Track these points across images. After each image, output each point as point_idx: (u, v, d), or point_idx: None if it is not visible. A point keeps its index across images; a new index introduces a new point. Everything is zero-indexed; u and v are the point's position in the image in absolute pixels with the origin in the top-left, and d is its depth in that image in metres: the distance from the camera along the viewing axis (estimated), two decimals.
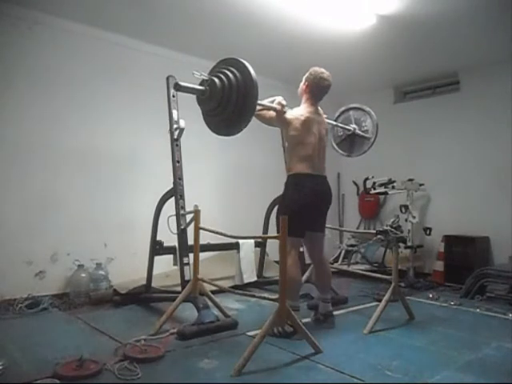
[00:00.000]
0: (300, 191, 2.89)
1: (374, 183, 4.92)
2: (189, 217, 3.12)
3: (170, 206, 3.28)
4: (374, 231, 3.61)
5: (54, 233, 3.66)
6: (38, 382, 2.00)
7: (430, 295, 4.04)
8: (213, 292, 3.11)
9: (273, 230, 3.57)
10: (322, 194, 3.03)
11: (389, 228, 3.24)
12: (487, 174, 4.67)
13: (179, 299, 2.86)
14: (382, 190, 4.90)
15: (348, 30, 3.83)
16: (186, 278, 3.01)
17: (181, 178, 3.20)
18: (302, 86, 3.14)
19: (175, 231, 3.12)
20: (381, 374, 2.20)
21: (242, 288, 3.71)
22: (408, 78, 5.32)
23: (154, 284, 3.59)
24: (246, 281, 4.05)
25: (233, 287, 3.56)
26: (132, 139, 4.15)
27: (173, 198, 3.21)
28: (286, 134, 3.03)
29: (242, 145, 5.02)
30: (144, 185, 4.13)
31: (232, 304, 3.57)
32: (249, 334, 2.77)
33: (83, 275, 3.64)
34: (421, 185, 4.98)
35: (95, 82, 3.95)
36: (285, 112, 2.98)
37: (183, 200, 3.18)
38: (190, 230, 3.02)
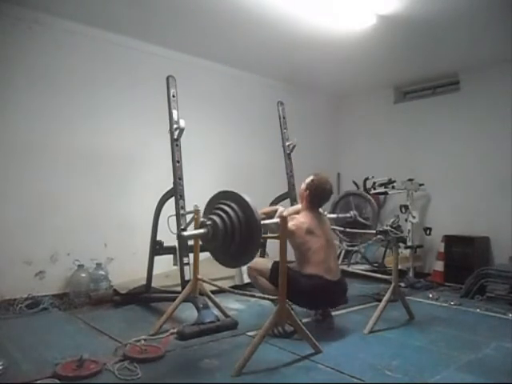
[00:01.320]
0: (312, 289, 2.79)
1: (374, 183, 4.93)
2: (189, 217, 3.11)
3: (170, 206, 3.29)
4: (374, 231, 3.61)
5: (53, 233, 3.66)
6: (38, 382, 2.00)
7: (430, 295, 4.04)
8: (213, 292, 3.11)
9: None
10: (336, 299, 2.99)
11: (389, 228, 3.24)
12: (487, 174, 4.66)
13: (179, 299, 2.86)
14: (382, 190, 4.90)
15: (348, 30, 3.82)
16: (186, 278, 3.01)
17: (181, 178, 3.20)
18: (302, 191, 3.09)
19: (175, 231, 3.12)
20: (381, 373, 2.20)
21: (241, 288, 3.71)
22: (408, 78, 5.32)
23: (154, 284, 3.59)
24: (246, 281, 4.05)
25: (233, 287, 3.56)
26: (132, 139, 4.15)
27: (173, 198, 3.21)
28: (293, 243, 2.93)
29: (243, 145, 5.04)
30: (144, 185, 4.13)
31: (232, 304, 3.57)
32: (249, 334, 2.77)
33: (83, 275, 3.64)
34: (421, 185, 4.98)
35: (95, 82, 3.95)
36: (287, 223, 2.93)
37: (183, 200, 3.18)
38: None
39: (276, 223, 2.77)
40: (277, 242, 2.40)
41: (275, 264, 2.74)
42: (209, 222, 2.37)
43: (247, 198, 2.33)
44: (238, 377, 2.13)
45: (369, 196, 3.78)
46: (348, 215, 3.71)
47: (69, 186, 3.78)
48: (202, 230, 2.41)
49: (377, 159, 5.67)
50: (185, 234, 2.54)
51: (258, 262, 2.99)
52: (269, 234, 2.78)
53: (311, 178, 3.07)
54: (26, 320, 3.09)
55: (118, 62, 4.10)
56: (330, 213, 3.79)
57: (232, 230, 2.31)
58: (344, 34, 3.94)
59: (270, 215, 3.09)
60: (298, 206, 3.23)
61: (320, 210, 3.14)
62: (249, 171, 5.05)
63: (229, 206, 2.37)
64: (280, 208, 3.09)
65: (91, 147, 3.90)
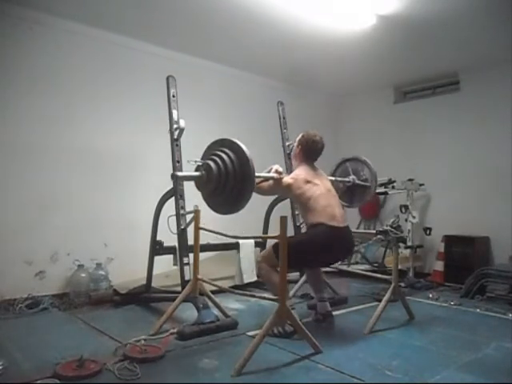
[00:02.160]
0: (319, 237, 2.80)
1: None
2: (189, 217, 3.12)
3: (170, 206, 3.29)
4: (374, 231, 3.61)
5: (53, 233, 3.67)
6: (38, 382, 2.00)
7: (430, 295, 4.04)
8: (213, 292, 3.10)
9: (273, 230, 3.57)
10: (341, 247, 2.95)
11: (389, 228, 3.24)
12: (487, 174, 4.66)
13: (179, 299, 2.86)
14: (382, 190, 4.90)
15: (348, 30, 3.82)
16: (186, 278, 3.01)
17: None
18: (295, 149, 3.17)
19: (175, 231, 3.12)
20: (381, 373, 2.20)
21: (241, 288, 3.72)
22: (408, 78, 5.32)
23: (154, 284, 3.59)
24: (245, 281, 4.05)
25: (233, 287, 3.56)
26: (132, 139, 4.15)
27: (173, 198, 3.22)
28: (293, 196, 2.99)
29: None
30: (144, 185, 4.14)
31: (232, 304, 3.57)
32: (249, 333, 2.77)
33: (83, 275, 3.64)
34: (421, 185, 4.98)
35: (96, 82, 3.95)
36: (283, 178, 2.95)
37: (183, 200, 3.18)
38: (190, 230, 3.02)
39: (272, 177, 2.88)
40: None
41: (276, 245, 2.70)
42: (204, 166, 2.47)
43: (243, 146, 2.42)
44: (238, 377, 2.13)
45: (364, 158, 3.77)
46: (347, 179, 3.72)
47: (69, 186, 3.78)
48: (196, 173, 2.52)
49: (377, 159, 5.62)
50: (179, 174, 2.56)
51: (264, 251, 3.04)
52: (268, 237, 2.79)
53: (301, 134, 3.13)
54: (26, 320, 3.09)
55: (118, 62, 4.10)
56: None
57: (226, 175, 2.40)
58: (344, 34, 3.94)
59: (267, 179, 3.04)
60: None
61: (316, 167, 3.13)
62: None
63: (225, 152, 2.47)
64: (276, 165, 3.03)
65: (91, 147, 3.90)
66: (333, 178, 3.69)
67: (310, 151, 3.08)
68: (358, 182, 3.71)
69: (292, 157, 3.21)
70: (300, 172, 3.00)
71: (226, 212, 2.67)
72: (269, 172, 3.00)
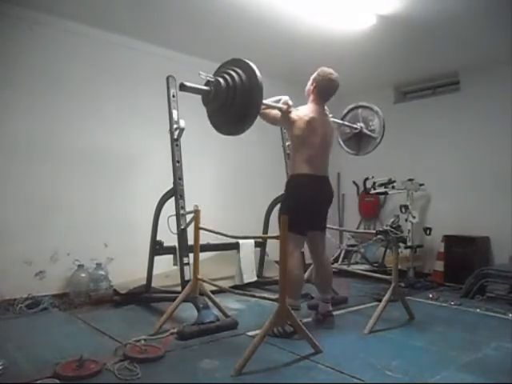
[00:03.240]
0: (301, 191, 2.91)
1: (374, 183, 4.92)
2: (189, 217, 3.12)
3: (170, 206, 3.29)
4: (374, 231, 3.61)
5: (54, 233, 3.66)
6: (38, 382, 2.00)
7: (430, 295, 4.04)
8: (213, 292, 3.10)
9: (273, 230, 3.57)
10: (323, 194, 3.04)
11: (389, 228, 3.24)
12: (487, 174, 4.66)
13: (179, 299, 2.86)
14: (382, 190, 4.90)
15: (348, 30, 3.83)
16: (186, 278, 3.01)
17: (181, 178, 3.20)
18: (309, 86, 3.11)
19: (175, 231, 3.12)
20: (381, 373, 2.20)
21: (241, 288, 3.71)
22: (408, 78, 5.32)
23: (154, 284, 3.59)
24: (245, 281, 4.05)
25: (233, 287, 3.56)
26: (132, 139, 4.15)
27: (173, 198, 3.21)
28: (291, 134, 3.02)
29: (243, 144, 5.02)
30: (144, 184, 4.13)
31: (232, 304, 3.57)
32: (249, 334, 2.77)
33: (83, 275, 3.64)
34: (421, 185, 4.98)
35: (96, 82, 3.95)
36: (290, 112, 2.96)
37: (183, 200, 3.18)
38: (190, 230, 3.02)
39: (278, 107, 2.90)
40: (277, 242, 2.40)
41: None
42: (212, 80, 2.49)
43: (254, 67, 2.42)
44: (238, 377, 2.13)
45: (376, 108, 3.71)
46: (354, 126, 3.67)
47: (69, 186, 3.78)
48: (205, 87, 2.52)
49: (377, 159, 5.65)
50: (188, 84, 2.53)
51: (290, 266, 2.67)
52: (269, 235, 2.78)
53: (317, 72, 3.09)
54: (26, 320, 3.09)
55: (118, 62, 4.10)
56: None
57: (234, 92, 2.42)
58: (344, 34, 3.94)
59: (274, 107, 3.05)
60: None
61: (326, 109, 3.13)
62: (249, 171, 5.05)
63: (235, 71, 2.48)
64: (285, 97, 3.02)
65: (91, 147, 3.90)
66: (340, 122, 3.66)
67: (324, 89, 3.04)
68: (365, 130, 3.66)
69: (305, 92, 3.17)
70: (307, 112, 2.99)
71: (228, 132, 2.67)
72: (277, 102, 2.99)
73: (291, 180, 3.01)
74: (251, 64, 2.46)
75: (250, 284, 4.07)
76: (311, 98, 3.10)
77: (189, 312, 3.04)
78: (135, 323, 3.04)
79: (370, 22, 3.63)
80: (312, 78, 3.10)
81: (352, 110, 3.82)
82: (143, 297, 3.55)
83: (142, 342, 2.46)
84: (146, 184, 4.12)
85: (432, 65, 4.77)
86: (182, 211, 3.14)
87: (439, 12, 3.47)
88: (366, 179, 5.13)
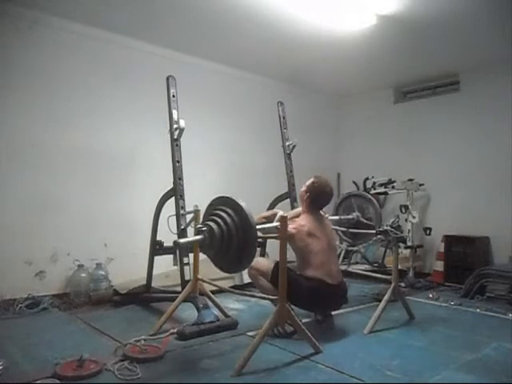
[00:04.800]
0: (312, 292, 2.80)
1: (374, 183, 4.93)
2: (189, 217, 3.12)
3: (170, 206, 3.29)
4: (374, 231, 3.61)
5: (53, 233, 3.66)
6: (38, 382, 2.00)
7: (430, 295, 4.04)
8: (213, 292, 3.11)
9: None
10: (335, 302, 3.03)
11: (389, 228, 3.24)
12: (487, 174, 4.66)
13: (179, 299, 2.85)
14: (382, 190, 4.90)
15: (348, 30, 3.82)
16: (186, 277, 3.01)
17: (181, 178, 3.20)
18: (303, 193, 3.08)
19: (175, 231, 3.12)
20: (381, 373, 2.20)
21: (241, 288, 3.72)
22: (408, 78, 5.31)
23: (154, 284, 3.58)
24: (246, 281, 4.05)
25: (233, 287, 3.56)
26: (132, 139, 4.15)
27: (173, 198, 3.21)
28: (294, 247, 2.94)
29: (242, 144, 5.04)
30: (144, 185, 4.13)
31: (232, 304, 3.57)
32: (249, 334, 2.77)
33: (83, 275, 3.64)
34: (421, 185, 4.98)
35: (95, 82, 3.95)
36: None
37: (183, 200, 3.18)
38: (190, 230, 3.02)
39: (275, 227, 2.68)
40: (277, 242, 2.40)
41: (277, 266, 2.67)
42: (205, 228, 2.38)
43: (242, 203, 2.34)
44: (238, 377, 2.13)
45: (370, 196, 3.76)
46: (350, 217, 3.71)
47: (69, 186, 3.78)
48: (198, 237, 2.42)
49: (377, 159, 5.67)
50: (181, 241, 2.48)
51: (259, 261, 2.99)
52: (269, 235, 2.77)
53: (312, 180, 3.07)
54: (25, 320, 3.09)
55: (117, 61, 4.10)
56: (332, 215, 3.76)
57: (228, 236, 2.32)
58: (344, 34, 3.94)
59: (270, 219, 3.06)
60: (299, 209, 3.22)
61: (321, 212, 3.13)
62: (249, 171, 5.05)
63: (224, 211, 2.39)
64: (280, 212, 3.04)
65: (91, 147, 3.90)
66: (337, 218, 3.67)
67: (317, 201, 3.03)
68: (362, 219, 3.70)
69: (299, 199, 3.15)
70: (304, 223, 2.94)
71: (233, 271, 2.77)
72: (271, 216, 3.05)
73: (303, 279, 2.85)
74: (239, 202, 2.35)
75: (249, 284, 4.06)
76: (305, 206, 3.07)
77: (189, 312, 3.04)
78: (135, 323, 3.04)
79: (370, 22, 3.62)
80: (306, 185, 3.07)
81: (345, 199, 3.90)
82: (143, 297, 3.55)
83: (142, 341, 2.46)
84: (146, 184, 4.12)
85: (432, 65, 4.77)
86: (182, 211, 3.14)
87: (439, 12, 3.47)
88: (366, 179, 5.13)
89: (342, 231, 3.80)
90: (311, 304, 2.91)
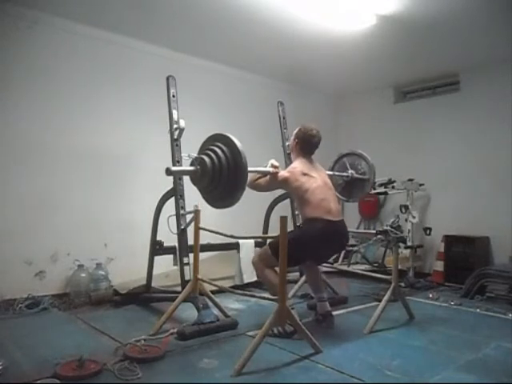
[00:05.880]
0: (315, 232, 2.83)
1: (374, 183, 4.92)
2: (189, 217, 3.12)
3: (170, 206, 3.28)
4: (374, 231, 3.61)
5: (53, 233, 3.66)
6: (38, 382, 2.00)
7: (430, 295, 4.04)
8: (213, 292, 3.11)
9: (273, 230, 3.57)
10: (339, 241, 3.02)
11: (389, 228, 3.24)
12: (487, 174, 4.66)
13: (179, 299, 2.85)
14: (382, 190, 4.90)
15: (348, 30, 3.82)
16: (186, 278, 3.01)
17: (181, 178, 3.20)
18: (292, 141, 3.19)
19: (175, 231, 3.12)
20: (381, 373, 2.20)
21: (242, 288, 3.71)
22: (408, 78, 5.32)
23: (153, 284, 3.58)
24: (245, 281, 4.05)
25: (233, 287, 3.56)
26: (132, 139, 4.15)
27: (173, 198, 3.21)
28: (291, 189, 2.99)
29: (243, 144, 5.02)
30: (144, 185, 4.13)
31: (232, 304, 3.57)
32: (249, 333, 2.77)
33: (83, 275, 3.64)
34: (421, 185, 4.98)
35: (95, 82, 3.95)
36: (279, 172, 2.95)
37: (183, 200, 3.18)
38: (190, 230, 3.02)
39: (266, 171, 2.89)
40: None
41: (275, 239, 2.60)
42: (198, 161, 2.49)
43: (235, 140, 2.44)
44: (238, 377, 2.13)
45: (360, 151, 3.80)
46: (345, 174, 3.73)
47: (69, 185, 3.78)
48: (191, 168, 2.52)
49: (377, 159, 5.64)
50: (173, 168, 2.56)
51: (260, 251, 3.02)
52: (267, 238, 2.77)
53: (298, 128, 3.15)
54: (25, 320, 3.09)
55: (117, 61, 4.10)
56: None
57: (219, 169, 2.42)
58: (344, 34, 3.94)
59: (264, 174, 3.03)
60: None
61: (313, 160, 3.14)
62: None
63: (219, 147, 2.49)
64: (271, 160, 3.03)
65: (91, 147, 3.90)
66: (331, 173, 3.70)
67: (306, 145, 3.10)
68: (356, 175, 3.73)
69: (290, 150, 3.22)
70: (296, 165, 3.02)
71: (223, 206, 2.67)
72: (265, 167, 3.00)
73: (306, 222, 2.93)
74: (231, 136, 2.46)
75: (249, 284, 4.07)
76: (295, 153, 3.16)
77: (189, 312, 3.03)
78: (135, 323, 3.04)
79: (370, 22, 3.62)
80: (294, 133, 3.17)
81: (338, 160, 3.92)
82: (143, 297, 3.55)
83: (142, 341, 2.46)
84: (146, 184, 4.12)
85: (432, 65, 4.77)
86: (182, 211, 3.14)
87: (439, 12, 3.47)
88: None
89: (339, 192, 3.82)
90: (317, 246, 2.84)
